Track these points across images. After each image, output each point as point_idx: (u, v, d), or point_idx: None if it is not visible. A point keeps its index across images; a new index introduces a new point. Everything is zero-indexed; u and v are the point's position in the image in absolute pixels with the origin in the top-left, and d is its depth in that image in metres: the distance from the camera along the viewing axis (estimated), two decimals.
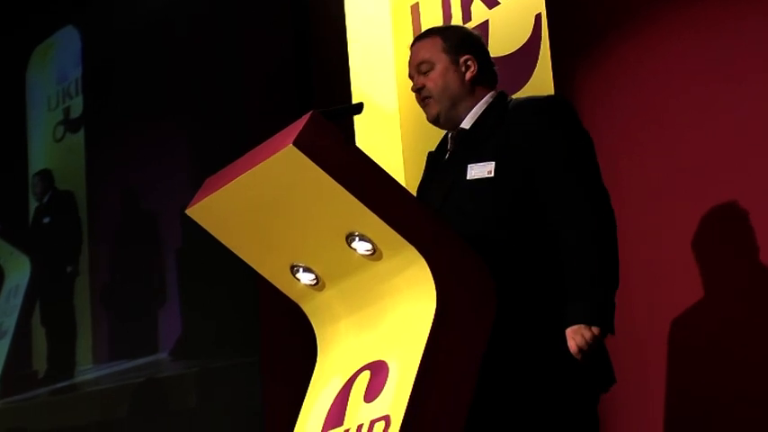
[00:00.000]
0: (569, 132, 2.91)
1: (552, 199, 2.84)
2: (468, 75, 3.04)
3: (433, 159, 3.12)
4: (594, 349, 2.75)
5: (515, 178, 2.87)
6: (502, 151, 2.90)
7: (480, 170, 2.91)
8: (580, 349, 2.74)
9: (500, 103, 3.02)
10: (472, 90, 3.04)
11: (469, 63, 3.04)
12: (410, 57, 3.10)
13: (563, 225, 2.82)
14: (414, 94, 3.10)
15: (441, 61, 3.04)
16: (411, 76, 3.09)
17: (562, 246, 2.81)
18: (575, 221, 2.81)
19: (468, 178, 2.91)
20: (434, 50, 3.05)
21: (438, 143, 3.14)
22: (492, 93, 3.05)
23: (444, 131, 3.13)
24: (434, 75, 3.03)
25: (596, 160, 2.92)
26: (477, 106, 3.03)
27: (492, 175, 2.89)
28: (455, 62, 3.04)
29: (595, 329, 2.74)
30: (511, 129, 2.92)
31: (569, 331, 2.76)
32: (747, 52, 3.50)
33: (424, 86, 3.05)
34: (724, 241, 3.51)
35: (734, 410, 3.42)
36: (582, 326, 2.74)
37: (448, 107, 3.03)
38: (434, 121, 3.07)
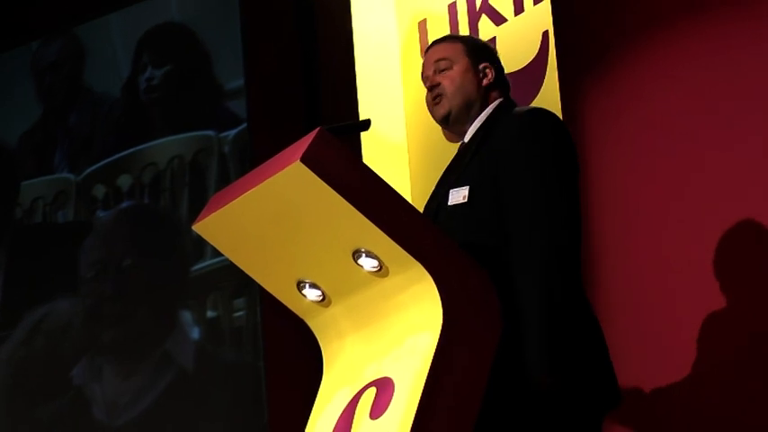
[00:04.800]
0: (540, 152, 2.83)
1: (512, 226, 2.78)
2: (484, 81, 3.05)
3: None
4: (555, 394, 2.71)
5: (488, 203, 2.84)
6: (478, 174, 2.88)
7: (457, 196, 2.90)
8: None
9: (496, 115, 3.00)
10: (485, 97, 3.04)
11: (487, 71, 3.06)
12: (426, 58, 3.10)
13: (516, 261, 2.75)
14: (424, 101, 3.08)
15: (461, 62, 3.05)
16: (425, 77, 3.08)
17: (514, 279, 2.74)
18: (526, 262, 2.73)
19: (449, 203, 2.91)
20: (455, 52, 3.06)
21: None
22: (496, 102, 3.04)
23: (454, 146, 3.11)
24: (452, 73, 3.03)
25: (569, 182, 2.83)
26: (481, 115, 3.02)
27: (465, 200, 2.88)
28: (474, 66, 3.05)
29: (544, 381, 2.68)
30: (492, 146, 2.90)
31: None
32: (758, 66, 3.51)
33: (439, 84, 3.04)
34: (738, 253, 3.50)
35: (749, 427, 3.42)
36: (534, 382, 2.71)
37: (460, 106, 3.02)
38: (443, 120, 3.05)
